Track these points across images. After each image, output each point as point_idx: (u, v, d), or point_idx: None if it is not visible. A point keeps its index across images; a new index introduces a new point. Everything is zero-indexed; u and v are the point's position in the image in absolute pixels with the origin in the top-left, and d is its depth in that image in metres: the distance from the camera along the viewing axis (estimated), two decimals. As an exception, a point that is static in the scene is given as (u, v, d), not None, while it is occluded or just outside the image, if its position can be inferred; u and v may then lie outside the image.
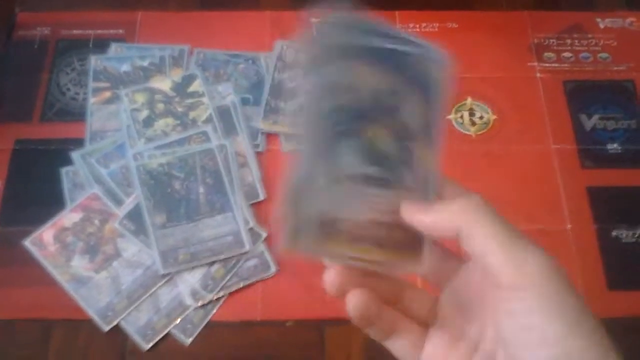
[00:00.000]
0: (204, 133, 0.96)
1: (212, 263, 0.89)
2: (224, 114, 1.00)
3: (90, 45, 1.09)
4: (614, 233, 0.95)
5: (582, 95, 1.06)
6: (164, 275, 0.88)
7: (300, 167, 0.44)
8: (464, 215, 0.43)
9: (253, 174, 0.96)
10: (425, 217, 0.44)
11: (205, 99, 1.00)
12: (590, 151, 1.01)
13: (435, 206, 0.44)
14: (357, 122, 0.45)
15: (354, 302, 0.45)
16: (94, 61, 1.06)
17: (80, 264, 0.89)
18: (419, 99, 0.46)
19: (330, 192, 0.45)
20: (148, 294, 0.87)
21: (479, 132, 1.02)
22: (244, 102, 1.02)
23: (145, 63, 1.05)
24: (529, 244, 0.41)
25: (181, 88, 1.01)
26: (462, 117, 1.04)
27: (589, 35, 1.12)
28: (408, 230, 0.45)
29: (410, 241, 0.46)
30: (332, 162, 0.45)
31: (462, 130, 1.02)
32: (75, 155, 0.97)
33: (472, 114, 1.04)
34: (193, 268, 0.88)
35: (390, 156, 0.46)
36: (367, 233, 0.45)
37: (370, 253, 0.45)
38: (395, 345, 0.48)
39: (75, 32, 1.10)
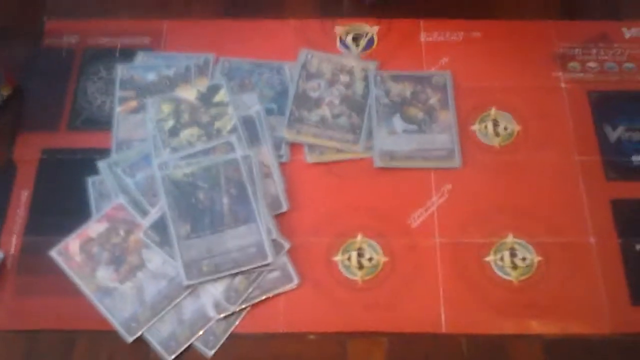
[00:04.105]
0: (229, 143, 0.97)
1: (235, 275, 0.89)
2: (248, 124, 1.00)
3: (117, 54, 1.10)
4: (638, 247, 0.94)
5: (607, 106, 1.05)
6: (187, 287, 0.88)
7: None
8: None
9: (277, 184, 0.96)
10: None
11: (230, 109, 1.01)
12: (615, 163, 1.00)
13: None
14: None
15: None
16: (121, 70, 1.07)
17: (105, 274, 0.90)
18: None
19: None
20: (172, 305, 0.88)
21: (503, 143, 1.02)
22: (269, 111, 1.03)
23: (171, 72, 1.06)
24: None
25: (206, 98, 1.02)
26: (486, 127, 1.03)
27: (615, 45, 1.11)
28: None
29: None
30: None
31: (486, 141, 1.02)
32: (101, 164, 0.97)
33: (496, 124, 1.04)
34: (216, 279, 0.89)
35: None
36: None
37: None
38: None
39: (102, 40, 1.12)
